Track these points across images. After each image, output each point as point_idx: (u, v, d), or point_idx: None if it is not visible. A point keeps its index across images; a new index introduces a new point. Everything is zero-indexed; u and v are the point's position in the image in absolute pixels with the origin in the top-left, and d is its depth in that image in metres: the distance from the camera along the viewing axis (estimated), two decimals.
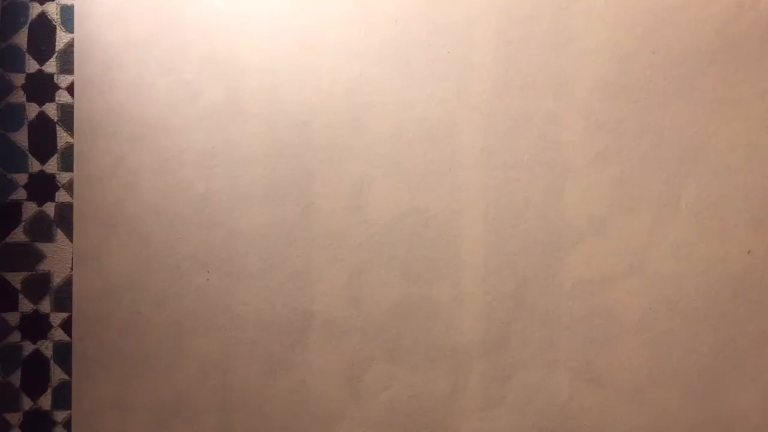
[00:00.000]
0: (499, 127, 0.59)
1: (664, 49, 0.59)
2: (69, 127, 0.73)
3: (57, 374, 0.78)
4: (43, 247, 0.77)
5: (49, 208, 0.76)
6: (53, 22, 0.71)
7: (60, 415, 0.78)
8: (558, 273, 0.57)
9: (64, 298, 0.78)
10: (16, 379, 0.78)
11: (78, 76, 0.70)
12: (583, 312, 0.57)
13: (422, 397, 0.60)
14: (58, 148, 0.74)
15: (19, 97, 0.74)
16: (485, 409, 0.58)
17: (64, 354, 0.78)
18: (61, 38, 0.71)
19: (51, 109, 0.73)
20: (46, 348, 0.78)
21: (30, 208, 0.76)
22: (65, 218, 0.78)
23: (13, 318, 0.77)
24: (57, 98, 0.73)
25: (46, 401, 0.78)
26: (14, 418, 0.78)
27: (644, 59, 0.59)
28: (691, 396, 0.56)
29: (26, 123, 0.74)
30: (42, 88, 0.73)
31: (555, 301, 0.57)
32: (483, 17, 0.60)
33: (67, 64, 0.71)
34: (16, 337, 0.78)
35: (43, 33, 0.72)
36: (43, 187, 0.76)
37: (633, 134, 0.58)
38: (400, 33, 0.61)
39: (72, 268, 0.78)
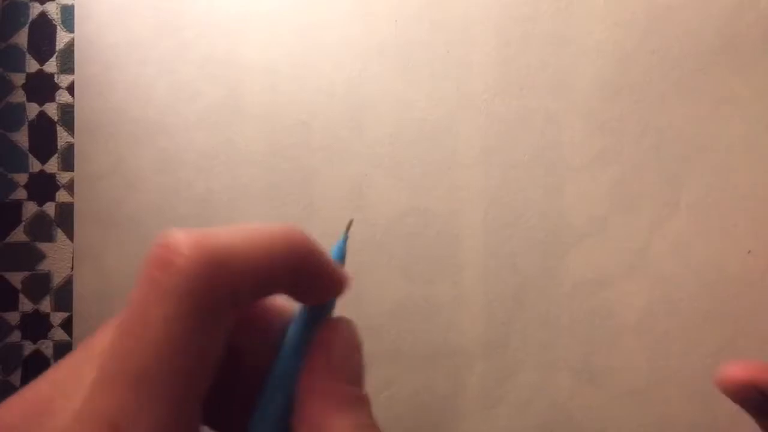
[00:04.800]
0: (499, 127, 0.59)
1: (664, 49, 0.59)
2: (69, 127, 0.73)
3: None
4: (43, 246, 0.77)
5: (50, 208, 0.76)
6: (53, 22, 0.71)
7: None
8: (558, 273, 0.57)
9: (64, 298, 0.78)
10: (16, 379, 0.78)
11: (78, 76, 0.70)
12: (583, 312, 0.57)
13: (422, 397, 0.60)
14: (59, 147, 0.75)
15: (20, 96, 0.74)
16: (485, 409, 0.58)
17: (64, 354, 0.78)
18: (62, 38, 0.71)
19: (51, 109, 0.73)
20: (47, 348, 0.78)
21: (30, 208, 0.76)
22: (65, 218, 0.78)
23: (13, 318, 0.77)
24: (57, 98, 0.73)
25: None
26: None
27: (644, 59, 0.59)
28: (691, 396, 0.56)
29: (26, 123, 0.74)
30: (42, 87, 0.73)
31: (555, 301, 0.57)
32: (483, 17, 0.60)
33: (67, 63, 0.71)
34: (16, 336, 0.78)
35: (43, 33, 0.72)
36: (44, 187, 0.76)
37: (633, 134, 0.58)
38: (399, 32, 0.61)
39: (72, 268, 0.78)
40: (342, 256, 0.32)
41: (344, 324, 0.30)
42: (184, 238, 0.23)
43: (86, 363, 0.26)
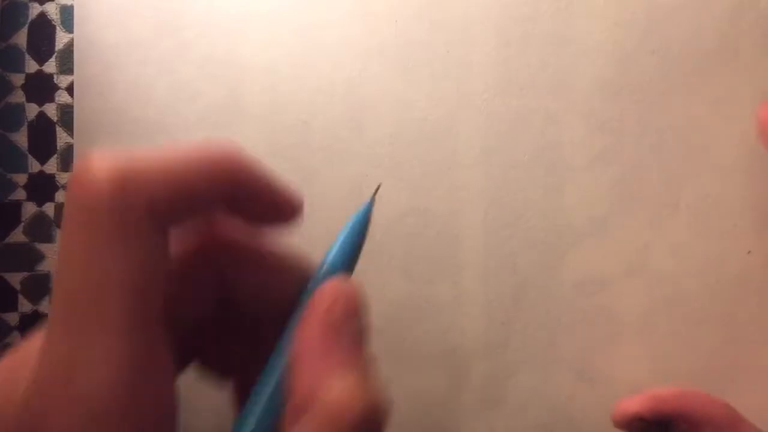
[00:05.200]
0: (499, 127, 0.59)
1: (664, 49, 0.59)
2: (69, 128, 0.73)
3: None
4: (42, 247, 0.77)
5: (49, 209, 0.76)
6: (53, 23, 0.71)
7: None
8: (558, 273, 0.57)
9: None
10: None
11: (78, 76, 0.70)
12: (584, 312, 0.57)
13: (422, 397, 0.60)
14: (58, 148, 0.74)
15: (19, 97, 0.74)
16: (485, 409, 0.58)
17: None
18: (61, 38, 0.71)
19: (50, 110, 0.73)
20: None
21: (29, 209, 0.76)
22: None
23: (12, 318, 0.77)
24: (57, 98, 0.73)
25: None
26: None
27: (644, 59, 0.59)
28: None
29: (26, 123, 0.74)
30: (41, 88, 0.73)
31: (555, 301, 0.57)
32: (483, 17, 0.60)
33: (66, 64, 0.71)
34: (15, 337, 0.78)
35: (42, 33, 0.72)
36: (43, 188, 0.76)
37: (633, 134, 0.58)
38: (399, 32, 0.61)
39: None
40: (365, 223, 0.34)
41: (343, 284, 0.30)
42: (99, 155, 0.23)
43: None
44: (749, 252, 0.57)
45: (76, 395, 0.20)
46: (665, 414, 0.47)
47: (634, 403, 0.46)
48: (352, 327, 0.27)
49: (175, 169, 0.24)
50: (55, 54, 0.71)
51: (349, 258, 0.33)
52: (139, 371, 0.21)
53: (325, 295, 0.28)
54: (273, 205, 0.31)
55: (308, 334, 0.27)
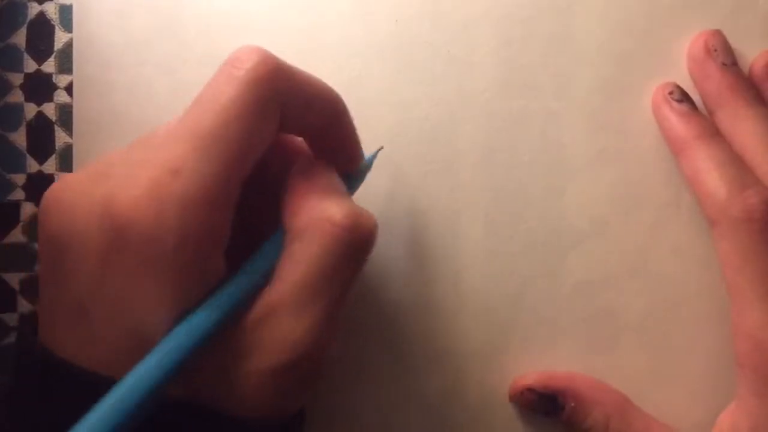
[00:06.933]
0: (500, 127, 0.59)
1: (664, 49, 0.59)
2: (68, 127, 0.73)
3: None
4: None
5: None
6: (52, 22, 0.71)
7: None
8: (559, 274, 0.57)
9: None
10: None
11: (77, 76, 0.69)
12: (584, 313, 0.57)
13: (422, 398, 0.60)
14: (57, 148, 0.74)
15: (18, 96, 0.73)
16: (485, 410, 0.58)
17: None
18: (60, 38, 0.71)
19: (49, 109, 0.73)
20: None
21: (28, 209, 0.76)
22: None
23: (11, 319, 0.77)
24: (55, 98, 0.72)
25: None
26: None
27: (644, 59, 0.59)
28: (692, 396, 0.56)
29: (24, 123, 0.74)
30: (40, 87, 0.73)
31: (556, 302, 0.57)
32: (483, 17, 0.60)
33: (65, 63, 0.71)
34: (14, 338, 0.77)
35: (41, 33, 0.72)
36: (42, 188, 0.75)
37: (634, 134, 0.58)
38: (400, 32, 0.60)
39: None
40: (367, 167, 0.43)
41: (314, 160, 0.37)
42: (257, 48, 0.32)
43: (135, 151, 0.35)
44: None
45: (172, 191, 0.27)
46: (555, 389, 0.49)
47: (526, 377, 0.51)
48: (332, 180, 0.35)
49: (304, 80, 0.34)
50: (54, 53, 0.70)
51: (350, 186, 0.39)
52: (219, 190, 0.28)
53: (299, 166, 0.36)
54: (347, 147, 0.39)
55: (294, 185, 0.33)
